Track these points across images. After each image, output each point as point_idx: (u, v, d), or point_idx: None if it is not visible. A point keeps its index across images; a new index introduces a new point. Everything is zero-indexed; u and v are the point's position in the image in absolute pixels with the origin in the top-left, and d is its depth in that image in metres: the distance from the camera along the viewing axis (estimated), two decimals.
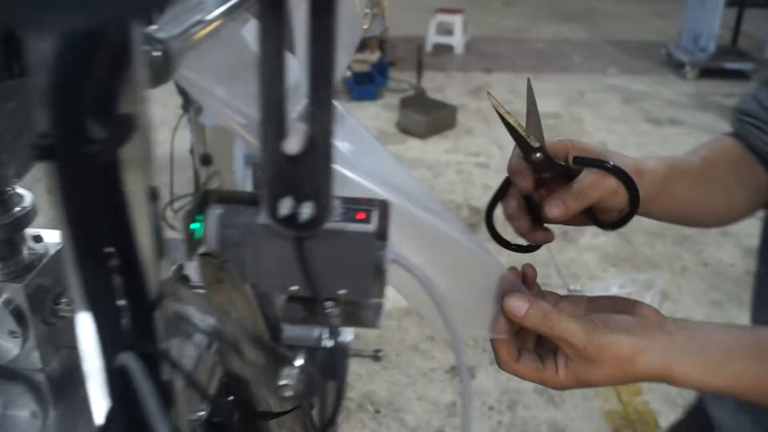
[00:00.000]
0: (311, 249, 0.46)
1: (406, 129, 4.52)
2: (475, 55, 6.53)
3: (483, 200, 3.67)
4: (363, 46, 5.64)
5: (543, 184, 0.69)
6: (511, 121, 0.64)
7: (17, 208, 0.63)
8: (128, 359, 0.38)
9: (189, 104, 2.84)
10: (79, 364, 0.40)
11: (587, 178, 0.65)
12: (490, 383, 2.40)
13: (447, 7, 6.52)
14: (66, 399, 0.67)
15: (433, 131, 4.45)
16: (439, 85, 5.54)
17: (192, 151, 3.16)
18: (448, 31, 6.52)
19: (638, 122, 4.91)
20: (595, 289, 2.97)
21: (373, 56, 5.42)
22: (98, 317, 0.38)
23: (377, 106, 5.02)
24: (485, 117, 4.76)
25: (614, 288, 2.98)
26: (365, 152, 0.61)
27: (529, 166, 0.66)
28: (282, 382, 0.49)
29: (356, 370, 2.42)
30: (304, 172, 0.42)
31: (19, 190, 0.65)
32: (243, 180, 3.19)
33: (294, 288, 0.47)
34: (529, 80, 0.67)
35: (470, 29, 6.82)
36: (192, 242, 0.46)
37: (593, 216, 0.70)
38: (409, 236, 0.58)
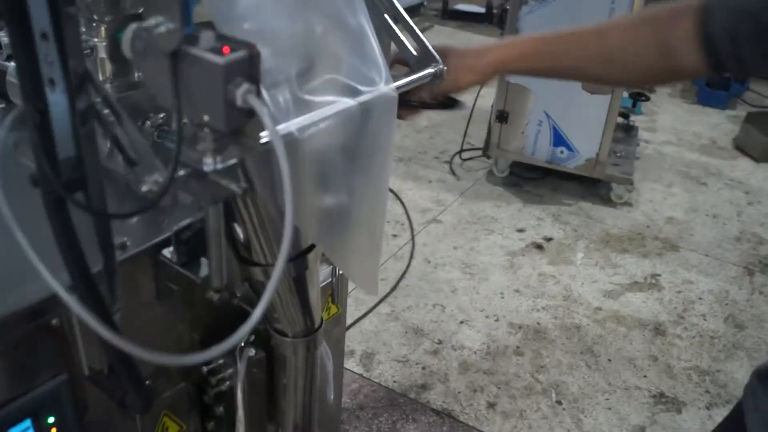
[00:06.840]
0: (183, 70, 0.55)
1: (741, 146, 4.00)
2: None
3: None
4: None
5: None
6: None
7: None
8: None
9: None
10: None
11: None
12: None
13: None
14: None
15: None
16: None
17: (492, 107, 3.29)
18: None
19: None
20: None
21: None
22: None
23: (722, 116, 4.50)
24: None
25: None
26: None
27: None
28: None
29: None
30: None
31: None
32: (534, 142, 3.24)
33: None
34: None
35: None
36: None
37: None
38: None
